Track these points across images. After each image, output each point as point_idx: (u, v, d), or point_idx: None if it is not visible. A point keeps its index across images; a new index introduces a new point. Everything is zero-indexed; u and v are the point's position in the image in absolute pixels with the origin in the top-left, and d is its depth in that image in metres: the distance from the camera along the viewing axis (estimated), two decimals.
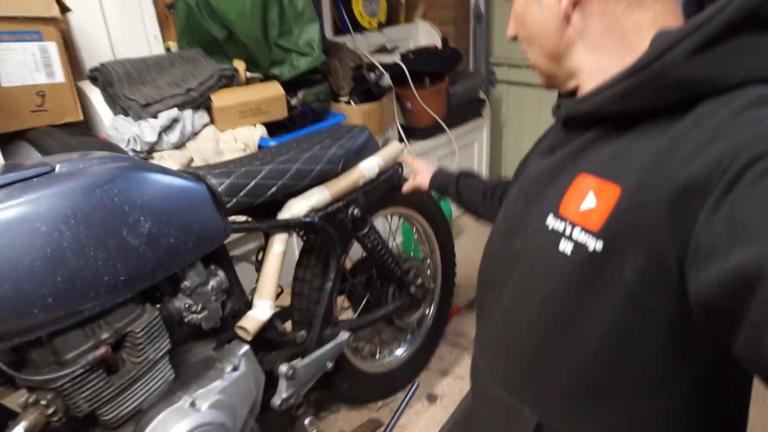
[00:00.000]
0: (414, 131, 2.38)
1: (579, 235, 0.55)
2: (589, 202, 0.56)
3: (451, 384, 1.80)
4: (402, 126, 2.35)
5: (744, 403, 0.61)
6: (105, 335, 0.84)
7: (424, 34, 2.72)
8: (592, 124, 0.61)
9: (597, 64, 0.60)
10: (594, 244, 0.53)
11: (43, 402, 0.79)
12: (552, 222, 0.60)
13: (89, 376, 0.82)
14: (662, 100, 0.52)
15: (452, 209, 2.35)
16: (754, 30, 0.47)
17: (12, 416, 0.81)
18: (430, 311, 1.80)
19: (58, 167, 0.82)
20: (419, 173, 1.33)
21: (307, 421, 1.25)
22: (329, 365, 1.27)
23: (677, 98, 0.51)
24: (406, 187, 1.38)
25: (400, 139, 2.32)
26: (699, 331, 0.49)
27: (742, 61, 0.48)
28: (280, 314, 1.38)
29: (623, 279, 0.51)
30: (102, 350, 0.82)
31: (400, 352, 1.75)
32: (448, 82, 2.40)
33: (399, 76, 2.22)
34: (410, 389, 1.70)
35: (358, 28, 2.46)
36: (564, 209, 0.59)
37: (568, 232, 0.57)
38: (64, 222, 0.76)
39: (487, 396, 0.74)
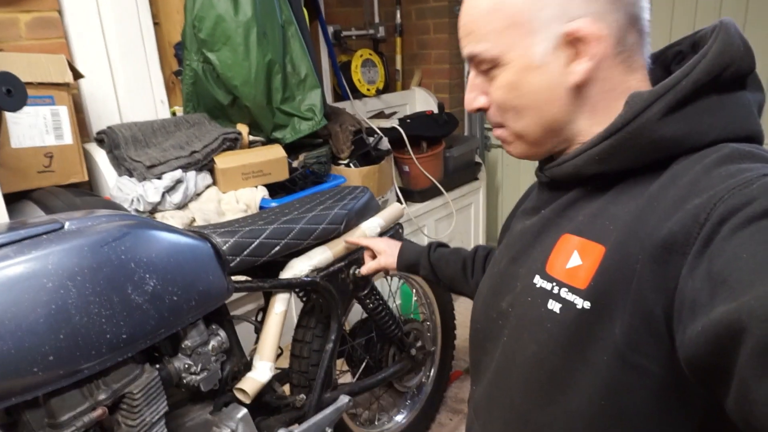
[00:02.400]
0: (412, 194, 2.42)
1: (567, 294, 0.56)
2: (575, 260, 0.56)
3: None
4: (400, 188, 2.39)
5: None
6: (102, 396, 0.82)
7: (421, 101, 2.82)
8: (574, 184, 0.63)
9: (592, 128, 0.60)
10: (582, 302, 0.54)
11: None
12: (539, 281, 0.60)
13: None
14: (640, 160, 0.55)
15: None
16: (720, 91, 0.51)
17: None
18: (431, 375, 1.77)
19: (67, 224, 0.82)
20: (382, 254, 1.18)
21: None
22: (328, 431, 1.23)
23: (654, 157, 0.54)
24: (366, 269, 1.21)
25: (399, 202, 2.35)
26: (692, 388, 0.49)
27: (712, 121, 0.51)
28: (279, 377, 1.35)
29: (613, 337, 0.51)
30: (98, 412, 0.80)
31: (399, 418, 1.70)
32: (445, 146, 2.46)
33: (397, 141, 2.29)
34: None
35: (357, 94, 2.55)
36: (551, 268, 0.59)
37: (555, 291, 0.57)
38: (70, 279, 0.77)
39: None
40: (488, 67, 0.61)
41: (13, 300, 0.72)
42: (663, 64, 0.64)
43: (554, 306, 0.57)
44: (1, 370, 0.70)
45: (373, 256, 1.22)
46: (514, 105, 0.61)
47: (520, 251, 0.67)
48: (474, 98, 0.64)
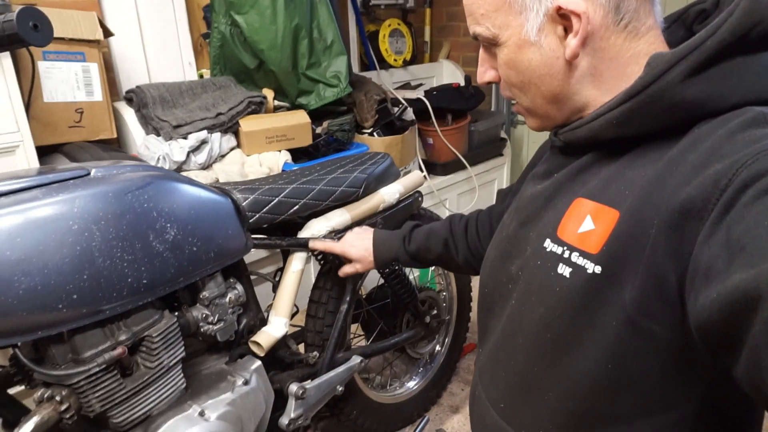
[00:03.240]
0: (434, 166, 2.41)
1: (578, 258, 0.56)
2: (587, 225, 0.56)
3: (462, 422, 1.76)
4: (423, 161, 2.38)
5: (755, 421, 0.59)
6: (123, 337, 0.85)
7: (448, 73, 2.79)
8: (589, 148, 0.62)
9: (601, 97, 0.60)
10: (593, 267, 0.54)
11: (58, 398, 0.80)
12: (550, 245, 0.60)
13: (104, 375, 0.83)
14: (659, 124, 0.53)
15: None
16: (746, 51, 0.49)
17: (27, 413, 0.83)
18: (444, 344, 1.78)
19: (93, 171, 0.85)
20: (358, 261, 1.14)
21: None
22: (339, 389, 1.26)
23: (674, 121, 0.52)
24: (343, 273, 1.18)
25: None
26: (700, 353, 0.49)
27: (736, 83, 0.49)
28: (294, 335, 1.38)
29: (623, 302, 0.51)
30: (119, 351, 0.83)
31: (411, 384, 1.73)
32: (470, 120, 2.44)
33: (422, 112, 2.28)
34: (419, 424, 1.67)
35: (384, 64, 2.53)
36: (562, 232, 0.59)
37: (566, 255, 0.57)
38: (95, 222, 0.79)
39: (485, 424, 0.73)
40: (489, 45, 0.63)
41: (41, 239, 0.75)
42: (684, 23, 0.62)
43: (564, 270, 0.57)
44: (29, 305, 0.74)
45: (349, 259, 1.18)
46: (516, 82, 0.63)
47: (531, 215, 0.67)
48: (484, 72, 0.67)
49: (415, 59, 2.75)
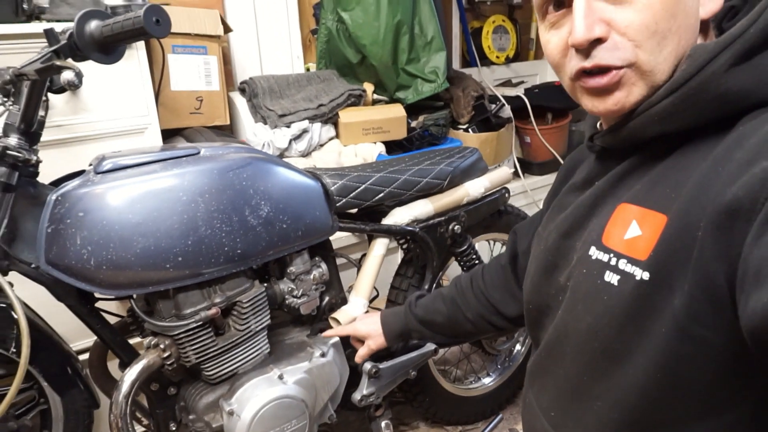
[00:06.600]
0: (530, 166, 2.37)
1: (626, 266, 0.54)
2: (634, 231, 0.55)
3: None
4: (519, 159, 2.35)
5: None
6: (218, 299, 0.96)
7: (552, 72, 2.70)
8: (630, 151, 0.60)
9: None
10: (641, 274, 0.52)
11: (162, 346, 0.93)
12: (595, 252, 0.59)
13: (200, 331, 0.94)
14: (704, 117, 0.51)
15: None
16: None
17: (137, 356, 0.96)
18: (525, 344, 1.76)
19: (203, 151, 0.96)
20: (368, 338, 1.12)
21: (383, 424, 1.29)
22: (412, 373, 1.30)
23: (719, 114, 0.50)
24: (360, 357, 1.14)
25: (516, 172, 2.32)
26: (752, 360, 0.47)
27: None
28: None
29: (672, 309, 0.50)
30: (213, 311, 0.94)
31: (487, 380, 1.73)
32: (571, 120, 2.36)
33: (521, 110, 2.24)
34: (492, 420, 1.67)
35: (486, 61, 2.52)
36: (607, 239, 0.58)
37: (613, 263, 0.56)
38: (200, 195, 0.90)
39: (535, 430, 0.73)
40: None
41: (157, 206, 0.87)
42: (713, 21, 0.59)
43: (612, 278, 0.56)
44: (143, 262, 0.86)
45: (361, 341, 1.16)
46: (664, 29, 0.51)
47: (574, 225, 0.66)
48: (591, 24, 0.51)
49: (519, 56, 2.70)
